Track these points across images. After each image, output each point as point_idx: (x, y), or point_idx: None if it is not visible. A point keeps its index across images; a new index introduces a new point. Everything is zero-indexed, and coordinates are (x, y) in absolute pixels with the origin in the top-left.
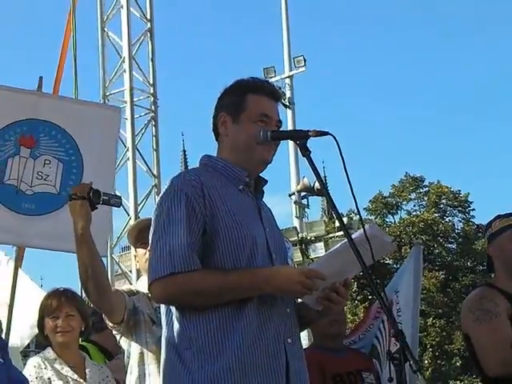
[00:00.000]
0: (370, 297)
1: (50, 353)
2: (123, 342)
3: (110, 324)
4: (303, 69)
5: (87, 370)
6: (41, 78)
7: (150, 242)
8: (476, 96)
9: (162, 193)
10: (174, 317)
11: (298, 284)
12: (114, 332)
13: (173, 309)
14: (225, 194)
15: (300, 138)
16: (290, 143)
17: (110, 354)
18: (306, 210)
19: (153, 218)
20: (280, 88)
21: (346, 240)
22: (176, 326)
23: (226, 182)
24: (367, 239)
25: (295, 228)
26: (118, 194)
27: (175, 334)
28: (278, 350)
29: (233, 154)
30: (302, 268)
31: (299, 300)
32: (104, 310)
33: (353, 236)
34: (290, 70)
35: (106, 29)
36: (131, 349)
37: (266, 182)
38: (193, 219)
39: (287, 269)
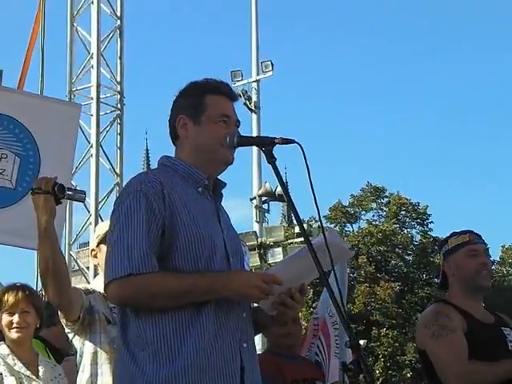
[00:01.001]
0: None
1: (2, 348)
2: (76, 341)
3: (65, 322)
4: (270, 73)
5: (40, 367)
6: (0, 71)
7: (107, 241)
8: (444, 105)
9: (121, 192)
10: (129, 318)
11: (255, 288)
12: (68, 330)
13: (129, 309)
14: (184, 195)
15: (266, 144)
16: (254, 148)
17: (58, 351)
18: (267, 214)
19: (111, 217)
20: (246, 92)
21: (304, 246)
22: (132, 326)
23: (185, 183)
24: (326, 245)
25: (255, 232)
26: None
27: (130, 334)
28: (234, 354)
29: (193, 155)
30: (260, 273)
31: (254, 304)
32: (62, 307)
33: (312, 242)
34: (258, 75)
35: (75, 24)
36: (84, 348)
37: (224, 184)
38: (152, 220)
39: (245, 273)
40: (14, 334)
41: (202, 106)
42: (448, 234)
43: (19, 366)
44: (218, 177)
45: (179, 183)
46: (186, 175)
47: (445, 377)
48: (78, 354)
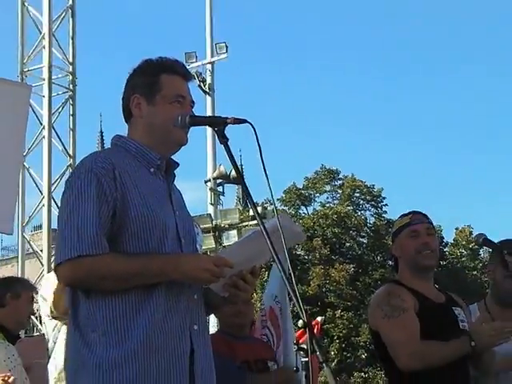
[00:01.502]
0: None
1: None
2: (50, 328)
3: (54, 314)
4: (225, 55)
5: None
6: None
7: (57, 222)
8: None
9: (72, 172)
10: (80, 299)
11: (205, 272)
12: (55, 322)
13: (79, 291)
14: (136, 176)
15: (218, 124)
16: (208, 129)
17: (9, 332)
18: (221, 197)
19: (62, 197)
20: (201, 74)
21: (256, 229)
22: (82, 308)
23: (137, 164)
24: (280, 228)
25: (209, 215)
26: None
27: (81, 316)
28: (184, 336)
29: (147, 135)
30: (210, 256)
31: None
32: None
33: (266, 225)
34: (212, 56)
35: (26, 3)
36: (59, 334)
37: (177, 164)
38: (103, 201)
39: (195, 256)
40: None
41: (157, 85)
42: None
43: None
44: (172, 157)
45: (131, 163)
46: (138, 155)
47: (397, 356)
48: (51, 341)
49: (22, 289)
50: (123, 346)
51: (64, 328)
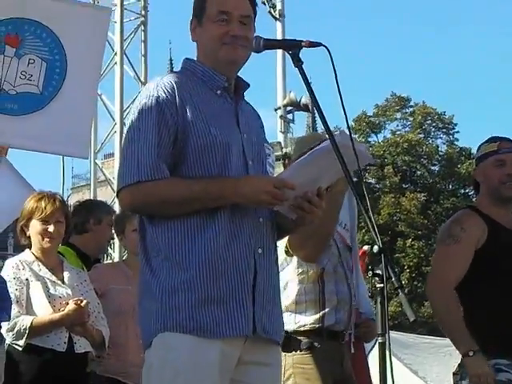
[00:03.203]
0: None
1: (27, 255)
2: None
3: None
4: None
5: (65, 273)
6: None
7: (122, 146)
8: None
9: (137, 97)
10: (144, 225)
11: (265, 194)
12: None
13: (144, 217)
14: (200, 99)
15: (292, 47)
16: (278, 57)
17: (88, 257)
18: (291, 125)
19: (128, 122)
20: (271, 0)
21: (320, 146)
22: (146, 234)
23: (203, 86)
24: (352, 145)
25: (279, 143)
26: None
27: (146, 240)
28: (247, 259)
29: (204, 58)
30: (270, 177)
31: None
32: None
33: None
34: None
35: None
36: None
37: (248, 85)
38: (163, 126)
39: (255, 178)
40: (46, 244)
41: (203, 5)
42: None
43: (44, 272)
44: (242, 78)
45: (196, 87)
46: (204, 78)
47: (428, 286)
48: None
49: (102, 213)
50: (185, 271)
51: None
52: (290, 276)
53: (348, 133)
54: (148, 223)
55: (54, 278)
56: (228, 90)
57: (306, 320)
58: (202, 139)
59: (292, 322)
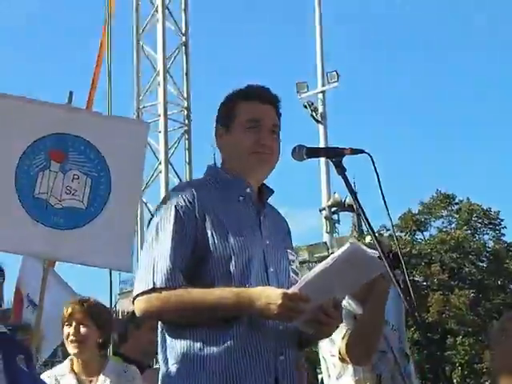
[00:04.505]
0: None
1: (65, 365)
2: None
3: None
4: (336, 84)
5: (100, 378)
6: (71, 92)
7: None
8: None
9: (159, 203)
10: (164, 332)
11: (279, 308)
12: None
13: (161, 324)
14: (220, 206)
15: (335, 155)
16: (322, 159)
17: (138, 364)
18: (337, 225)
19: (146, 230)
20: (312, 103)
21: (334, 255)
22: (166, 341)
23: (225, 193)
24: (381, 252)
25: (325, 243)
26: None
27: (166, 349)
28: (268, 366)
29: (230, 164)
30: (284, 290)
31: None
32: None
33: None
34: (323, 85)
35: (141, 41)
36: None
37: (272, 191)
38: (181, 234)
39: (270, 290)
40: (72, 349)
41: (233, 113)
42: None
43: None
44: (266, 185)
45: (218, 194)
46: (227, 185)
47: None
48: None
49: (141, 318)
50: (199, 377)
51: None
52: None
53: (358, 244)
54: (165, 330)
55: None
56: (251, 197)
57: None
58: (221, 251)
59: None
